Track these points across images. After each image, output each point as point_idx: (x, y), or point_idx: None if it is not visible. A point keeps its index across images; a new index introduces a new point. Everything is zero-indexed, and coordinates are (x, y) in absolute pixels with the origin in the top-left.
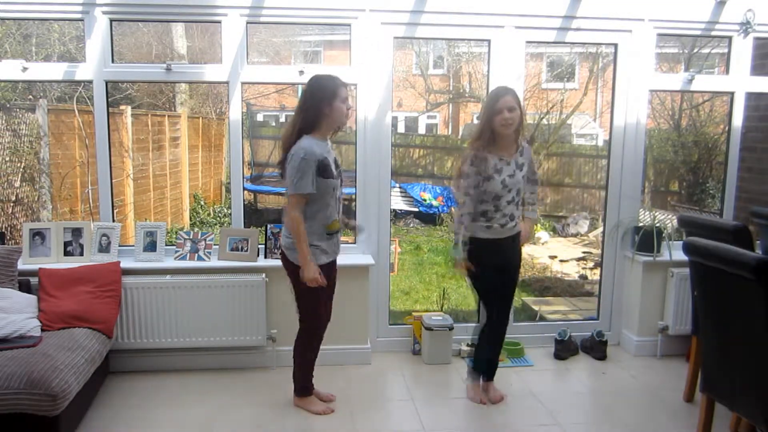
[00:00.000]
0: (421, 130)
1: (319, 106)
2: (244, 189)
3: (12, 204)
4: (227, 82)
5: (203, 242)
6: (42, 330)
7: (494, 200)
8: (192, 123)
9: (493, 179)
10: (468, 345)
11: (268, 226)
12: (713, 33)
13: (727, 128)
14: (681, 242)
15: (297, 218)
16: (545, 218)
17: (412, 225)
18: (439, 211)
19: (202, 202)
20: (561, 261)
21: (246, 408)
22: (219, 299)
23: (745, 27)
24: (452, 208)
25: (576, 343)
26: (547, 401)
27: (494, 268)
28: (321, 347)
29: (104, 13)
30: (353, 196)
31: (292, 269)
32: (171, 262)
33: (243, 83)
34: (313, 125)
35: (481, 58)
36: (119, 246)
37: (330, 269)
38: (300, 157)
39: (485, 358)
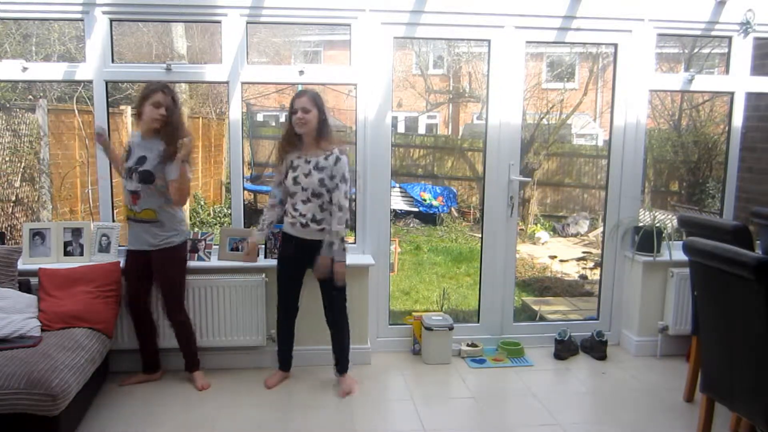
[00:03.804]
0: (421, 130)
1: (138, 107)
2: (244, 189)
3: (12, 204)
4: (227, 82)
5: (203, 242)
6: (42, 330)
7: (290, 197)
8: (192, 123)
9: (287, 175)
10: (468, 345)
11: None
12: (713, 33)
13: (727, 128)
14: (681, 242)
15: None
16: (545, 218)
17: (412, 225)
18: (439, 211)
19: (202, 202)
20: (561, 261)
21: (246, 408)
22: (219, 299)
23: (745, 27)
24: (452, 208)
25: (576, 343)
26: (547, 401)
27: (286, 261)
28: (321, 347)
29: (104, 13)
30: (353, 196)
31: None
32: None
33: (243, 83)
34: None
35: (481, 58)
36: (119, 246)
37: (136, 259)
38: None
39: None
